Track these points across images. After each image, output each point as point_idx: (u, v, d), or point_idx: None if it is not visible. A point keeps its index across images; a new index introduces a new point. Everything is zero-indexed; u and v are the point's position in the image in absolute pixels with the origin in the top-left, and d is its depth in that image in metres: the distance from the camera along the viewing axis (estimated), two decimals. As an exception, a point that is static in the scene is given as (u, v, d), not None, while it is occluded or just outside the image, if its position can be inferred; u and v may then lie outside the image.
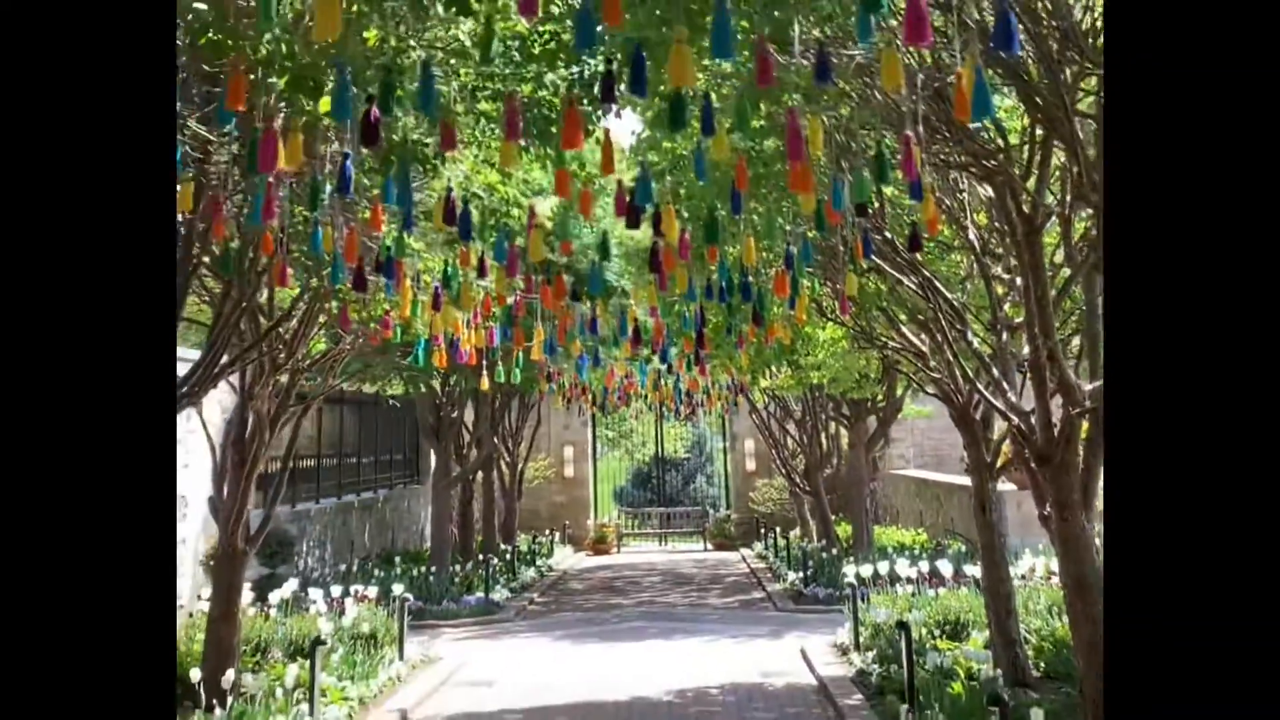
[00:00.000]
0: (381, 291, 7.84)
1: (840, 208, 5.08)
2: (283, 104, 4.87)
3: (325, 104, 4.49)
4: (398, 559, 18.02)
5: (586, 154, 7.04)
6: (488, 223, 6.91)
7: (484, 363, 10.61)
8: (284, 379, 9.62)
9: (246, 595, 11.34)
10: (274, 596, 11.52)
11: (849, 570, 12.46)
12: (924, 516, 21.90)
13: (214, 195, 5.78)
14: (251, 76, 4.45)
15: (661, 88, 5.44)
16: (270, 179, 4.95)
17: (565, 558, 23.79)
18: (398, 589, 11.65)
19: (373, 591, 12.05)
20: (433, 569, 16.74)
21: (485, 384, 10.74)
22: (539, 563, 20.80)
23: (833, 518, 19.80)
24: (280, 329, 9.23)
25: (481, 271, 6.72)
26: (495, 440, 21.47)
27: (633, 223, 4.91)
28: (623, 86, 4.01)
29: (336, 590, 11.72)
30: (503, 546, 20.40)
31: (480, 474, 21.48)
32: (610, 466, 31.99)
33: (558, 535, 24.87)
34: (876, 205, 7.47)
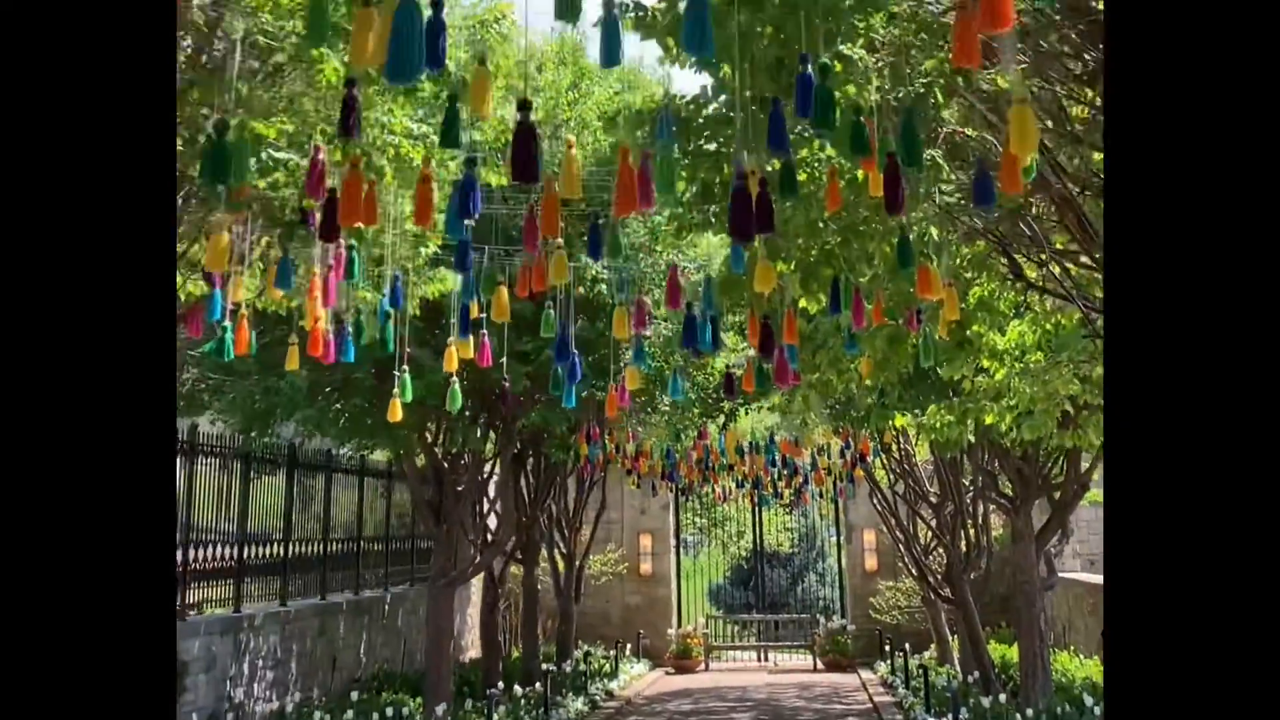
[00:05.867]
0: None
1: None
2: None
3: None
4: (381, 689, 13.13)
5: None
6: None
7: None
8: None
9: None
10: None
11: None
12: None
13: None
14: None
15: None
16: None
17: (636, 677, 18.70)
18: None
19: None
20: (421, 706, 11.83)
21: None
22: (593, 687, 15.75)
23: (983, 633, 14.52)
24: None
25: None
26: (544, 524, 16.75)
27: None
28: None
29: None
30: (545, 667, 15.35)
31: (521, 568, 16.72)
32: (701, 560, 26.70)
33: (629, 647, 19.85)
34: None
